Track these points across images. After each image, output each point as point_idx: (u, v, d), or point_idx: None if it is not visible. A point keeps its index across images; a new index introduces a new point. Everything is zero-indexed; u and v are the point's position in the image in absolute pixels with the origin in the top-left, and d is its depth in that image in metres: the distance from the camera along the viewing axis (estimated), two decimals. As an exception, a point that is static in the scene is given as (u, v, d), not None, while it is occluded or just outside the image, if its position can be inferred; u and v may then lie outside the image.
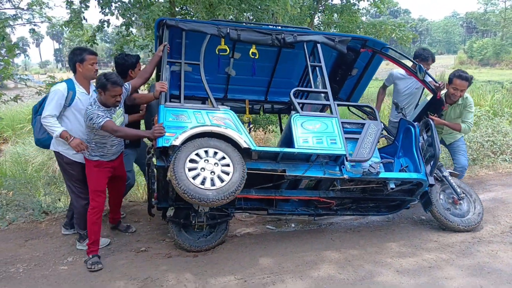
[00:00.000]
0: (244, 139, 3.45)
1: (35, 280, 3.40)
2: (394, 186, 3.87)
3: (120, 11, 5.75)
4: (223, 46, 4.05)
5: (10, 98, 6.39)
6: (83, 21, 6.40)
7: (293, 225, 4.59)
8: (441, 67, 30.67)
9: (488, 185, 5.76)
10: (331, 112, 3.80)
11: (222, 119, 3.52)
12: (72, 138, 3.52)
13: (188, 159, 3.27)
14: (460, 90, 4.43)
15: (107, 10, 5.96)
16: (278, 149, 3.54)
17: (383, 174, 3.78)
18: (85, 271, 3.51)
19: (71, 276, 3.43)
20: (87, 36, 7.13)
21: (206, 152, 3.35)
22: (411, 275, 3.35)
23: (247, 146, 3.43)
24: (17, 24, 9.73)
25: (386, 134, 4.64)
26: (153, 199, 3.74)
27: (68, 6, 6.23)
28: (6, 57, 8.42)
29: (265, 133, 9.32)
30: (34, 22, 10.38)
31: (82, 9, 6.14)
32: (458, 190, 4.23)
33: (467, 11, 51.66)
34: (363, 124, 3.87)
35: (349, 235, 4.24)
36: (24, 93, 9.76)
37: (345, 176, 3.60)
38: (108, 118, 3.42)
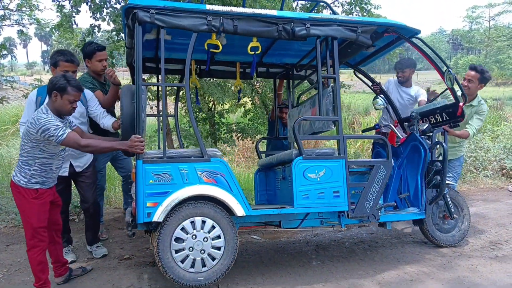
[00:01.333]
0: (239, 202, 3.12)
1: (15, 286, 3.34)
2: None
3: (111, 17, 5.75)
4: (214, 41, 3.30)
5: (-5, 100, 6.34)
6: (74, 26, 6.40)
7: (257, 237, 4.61)
8: (427, 82, 31.26)
9: (469, 200, 5.87)
10: (339, 150, 3.44)
11: (213, 174, 3.10)
12: None
13: (174, 237, 2.98)
14: (467, 80, 4.33)
15: (98, 15, 5.97)
16: (275, 210, 3.29)
17: (383, 218, 3.67)
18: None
19: (52, 283, 3.38)
20: (77, 40, 7.12)
21: (192, 223, 3.04)
22: (393, 287, 3.40)
23: (242, 215, 3.13)
24: (5, 25, 9.66)
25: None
26: (130, 218, 3.19)
27: (59, 10, 6.22)
28: (-8, 58, 8.36)
29: (252, 143, 9.38)
30: (22, 23, 10.32)
31: (73, 13, 6.13)
32: (453, 210, 4.11)
33: (453, 28, 52.71)
34: (372, 166, 3.56)
35: (333, 246, 4.27)
36: (10, 94, 9.65)
37: (343, 228, 3.53)
38: (69, 130, 2.92)
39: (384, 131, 4.67)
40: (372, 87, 4.67)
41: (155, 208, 2.93)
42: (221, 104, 7.19)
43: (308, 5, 7.46)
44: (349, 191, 3.38)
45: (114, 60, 6.27)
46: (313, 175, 3.31)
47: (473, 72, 4.33)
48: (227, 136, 7.49)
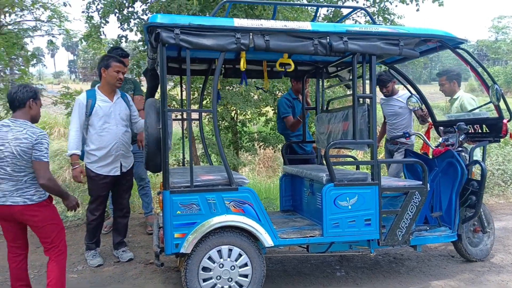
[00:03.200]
0: (267, 232, 3.05)
1: (44, 287, 3.42)
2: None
3: (138, 28, 5.89)
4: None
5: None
6: (101, 36, 6.58)
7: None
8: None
9: (498, 214, 5.71)
10: (372, 175, 3.29)
11: (240, 204, 3.03)
12: (76, 166, 3.61)
13: (201, 267, 2.98)
14: (440, 85, 4.89)
15: (125, 26, 6.12)
16: (304, 240, 3.21)
17: (414, 242, 3.52)
18: (94, 280, 3.53)
19: (80, 285, 3.45)
20: (104, 51, 7.31)
21: (219, 252, 3.02)
22: (419, 301, 3.33)
23: (271, 244, 3.06)
24: (36, 35, 10.00)
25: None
26: (158, 248, 3.09)
27: (88, 21, 6.41)
28: (22, 67, 8.64)
29: (274, 152, 9.38)
30: (52, 34, 10.67)
31: (102, 24, 6.31)
32: (486, 224, 4.02)
33: (478, 39, 51.75)
34: (406, 193, 3.39)
35: (357, 257, 4.21)
36: (38, 102, 9.93)
37: (372, 254, 3.40)
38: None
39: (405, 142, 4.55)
40: (406, 86, 4.53)
41: (183, 239, 2.91)
42: (243, 114, 7.22)
43: (331, 15, 7.42)
44: (381, 218, 3.27)
45: (140, 70, 6.39)
46: (344, 203, 3.19)
47: (441, 78, 4.89)
48: (249, 145, 7.51)
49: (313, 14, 7.03)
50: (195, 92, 6.86)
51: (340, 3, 7.12)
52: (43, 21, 9.82)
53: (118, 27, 6.20)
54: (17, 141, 2.71)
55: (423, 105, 4.42)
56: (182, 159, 4.60)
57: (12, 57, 8.93)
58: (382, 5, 7.21)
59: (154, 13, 5.46)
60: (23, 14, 9.30)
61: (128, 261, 3.96)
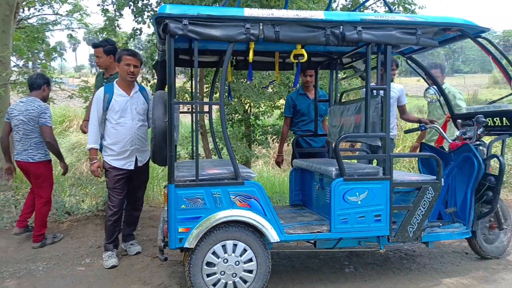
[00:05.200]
0: (273, 227, 3.00)
1: (53, 279, 3.48)
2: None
3: (151, 20, 5.89)
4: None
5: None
6: (117, 29, 6.63)
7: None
8: (475, 86, 29.89)
9: (516, 210, 5.52)
10: (384, 169, 3.21)
11: (246, 198, 2.98)
12: (94, 161, 3.71)
13: (205, 262, 2.95)
14: None
15: (140, 19, 6.14)
16: (311, 236, 3.14)
17: (426, 238, 3.42)
18: (101, 273, 3.57)
19: (87, 277, 3.50)
20: (121, 43, 7.36)
21: (224, 247, 2.98)
22: (429, 299, 3.25)
23: (276, 240, 3.01)
24: (56, 29, 10.16)
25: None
26: (162, 243, 3.10)
27: (104, 14, 6.46)
28: (44, 61, 8.79)
29: (288, 145, 9.31)
30: (72, 27, 10.83)
31: (117, 17, 6.35)
32: (503, 220, 3.88)
33: (504, 29, 50.09)
34: (419, 189, 3.30)
35: (367, 253, 4.14)
36: (58, 95, 10.12)
37: (382, 250, 3.32)
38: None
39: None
40: (425, 77, 4.36)
41: (187, 233, 2.88)
42: (257, 107, 7.17)
43: (349, 5, 7.25)
44: (392, 214, 3.18)
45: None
46: (354, 198, 3.12)
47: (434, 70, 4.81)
48: (262, 138, 7.47)
49: (334, 5, 6.89)
50: (210, 85, 6.86)
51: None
52: (61, 15, 9.98)
53: (133, 20, 6.23)
54: (27, 112, 4.04)
55: (441, 97, 4.28)
56: (192, 152, 4.59)
57: (34, 51, 9.12)
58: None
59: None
60: (42, 8, 9.45)
61: (135, 254, 3.99)
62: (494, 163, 4.72)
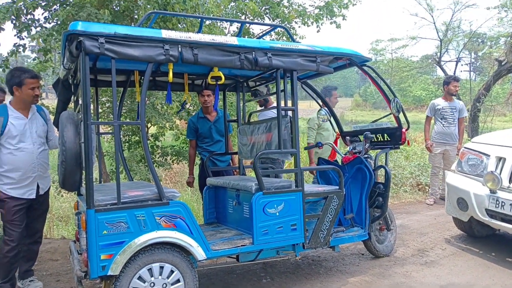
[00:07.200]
0: (199, 245, 3.03)
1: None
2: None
3: (42, 37, 5.48)
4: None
5: None
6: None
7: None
8: (340, 108, 33.52)
9: (394, 213, 6.39)
10: (296, 182, 3.49)
11: (172, 219, 2.95)
12: None
13: None
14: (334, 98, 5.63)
15: (25, 34, 5.64)
16: (236, 250, 3.27)
17: (333, 242, 3.82)
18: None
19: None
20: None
21: (150, 270, 2.90)
22: (341, 297, 3.60)
23: (204, 257, 3.05)
24: None
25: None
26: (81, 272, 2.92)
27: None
28: None
29: (183, 166, 9.28)
30: None
31: (-5, 31, 5.72)
32: (390, 222, 4.48)
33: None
34: (326, 198, 3.69)
35: (279, 263, 4.39)
36: None
37: (298, 257, 3.57)
38: None
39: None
40: (317, 100, 4.92)
41: (111, 260, 2.73)
42: (161, 126, 7.06)
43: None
44: (305, 222, 3.48)
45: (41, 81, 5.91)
46: (272, 210, 3.32)
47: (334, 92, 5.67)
48: (162, 159, 7.37)
49: (225, 31, 7.26)
50: (104, 105, 6.56)
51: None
52: None
53: (15, 36, 5.69)
54: None
55: (331, 117, 4.83)
56: (100, 176, 4.36)
57: None
58: (284, 24, 7.73)
59: (60, 21, 5.17)
60: None
61: None
62: (380, 173, 5.42)
